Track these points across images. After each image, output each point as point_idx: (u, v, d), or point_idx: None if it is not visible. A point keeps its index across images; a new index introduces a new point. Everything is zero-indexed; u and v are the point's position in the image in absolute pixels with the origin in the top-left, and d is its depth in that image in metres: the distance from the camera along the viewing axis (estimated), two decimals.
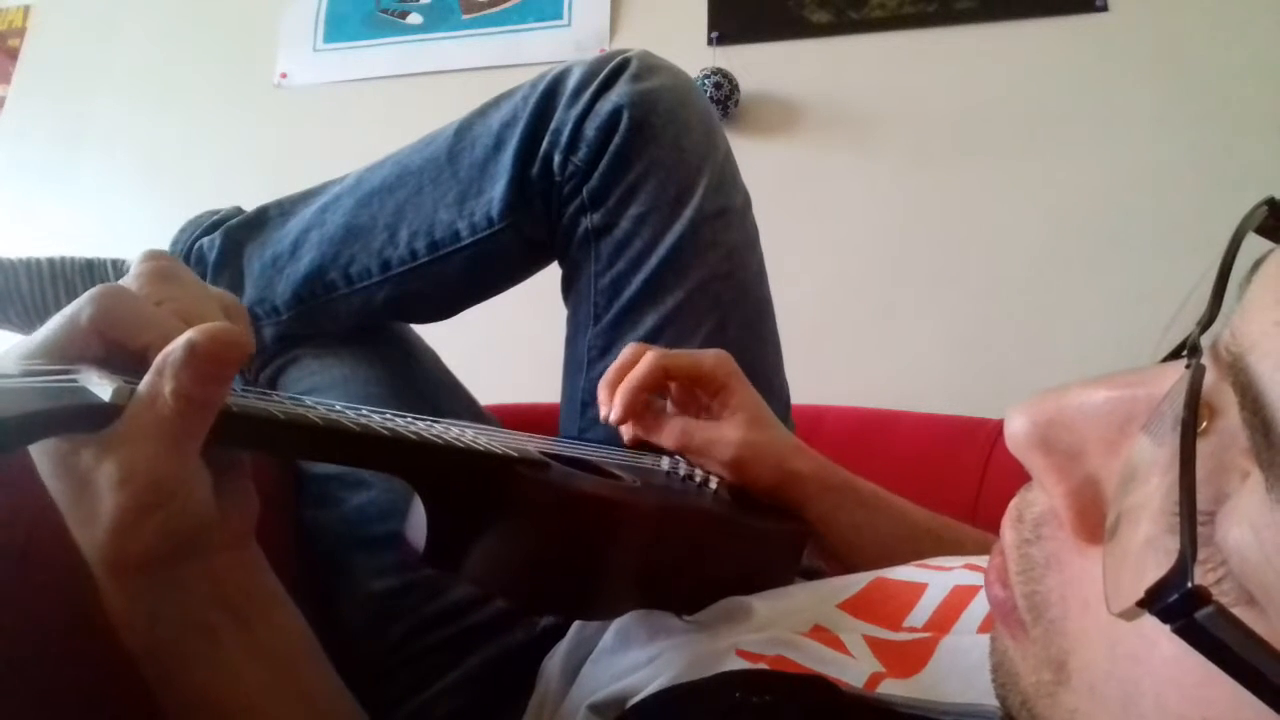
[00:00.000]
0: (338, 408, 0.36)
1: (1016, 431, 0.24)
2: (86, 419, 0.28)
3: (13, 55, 2.09)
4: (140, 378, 0.30)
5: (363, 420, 0.35)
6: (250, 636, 0.35)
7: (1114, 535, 0.22)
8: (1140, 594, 0.18)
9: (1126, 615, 0.19)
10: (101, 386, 0.28)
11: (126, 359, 0.31)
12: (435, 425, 0.40)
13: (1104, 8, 1.55)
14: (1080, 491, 0.23)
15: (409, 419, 0.39)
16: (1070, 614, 0.24)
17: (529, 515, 0.39)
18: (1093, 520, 0.23)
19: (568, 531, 0.40)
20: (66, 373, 0.29)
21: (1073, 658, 0.24)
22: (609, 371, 0.58)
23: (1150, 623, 0.19)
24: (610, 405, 0.56)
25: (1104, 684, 0.22)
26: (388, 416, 0.38)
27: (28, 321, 0.83)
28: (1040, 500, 0.26)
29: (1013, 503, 0.27)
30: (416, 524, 0.40)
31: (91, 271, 0.84)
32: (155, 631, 0.33)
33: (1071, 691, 0.24)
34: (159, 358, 0.29)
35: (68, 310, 0.30)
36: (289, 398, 0.36)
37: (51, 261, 0.84)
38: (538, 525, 0.39)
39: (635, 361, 0.57)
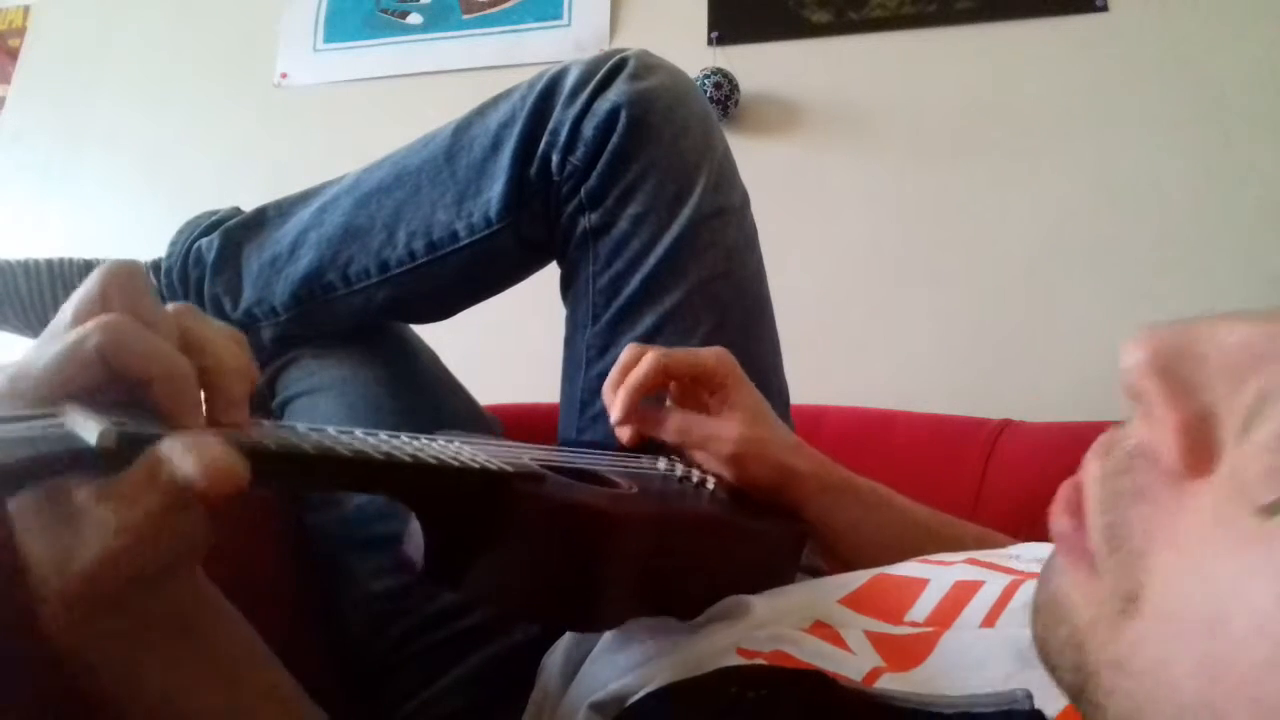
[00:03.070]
0: (331, 431, 0.35)
1: (1137, 358, 0.24)
2: (73, 466, 0.27)
3: (13, 55, 2.09)
4: (130, 411, 0.28)
5: (356, 445, 0.34)
6: (201, 649, 0.35)
7: (1249, 430, 0.22)
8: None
9: (1269, 510, 0.19)
10: (87, 428, 0.26)
11: (121, 388, 0.29)
12: (434, 444, 0.40)
13: (1104, 8, 1.55)
14: (1193, 424, 0.23)
15: (402, 438, 0.38)
16: (1154, 547, 0.23)
17: (527, 530, 0.39)
18: (1200, 454, 0.23)
19: (566, 545, 0.40)
20: (49, 416, 0.27)
21: (1147, 589, 0.23)
22: (612, 373, 0.58)
23: (1254, 554, 0.19)
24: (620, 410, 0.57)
25: (1183, 611, 0.22)
26: (381, 438, 0.37)
27: (26, 323, 0.83)
28: (1138, 433, 0.25)
29: (1100, 438, 0.27)
30: (415, 541, 0.39)
31: (90, 272, 0.84)
32: (106, 653, 0.31)
33: (1140, 621, 0.23)
34: (167, 448, 0.27)
35: (72, 336, 0.28)
36: (282, 425, 0.34)
37: (50, 263, 0.84)
38: (537, 540, 0.39)
39: (636, 362, 0.57)
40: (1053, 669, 0.26)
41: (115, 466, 0.27)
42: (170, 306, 0.32)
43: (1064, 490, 0.27)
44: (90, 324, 0.28)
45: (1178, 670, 0.22)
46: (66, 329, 0.29)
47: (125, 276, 0.31)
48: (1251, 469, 0.22)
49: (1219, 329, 0.23)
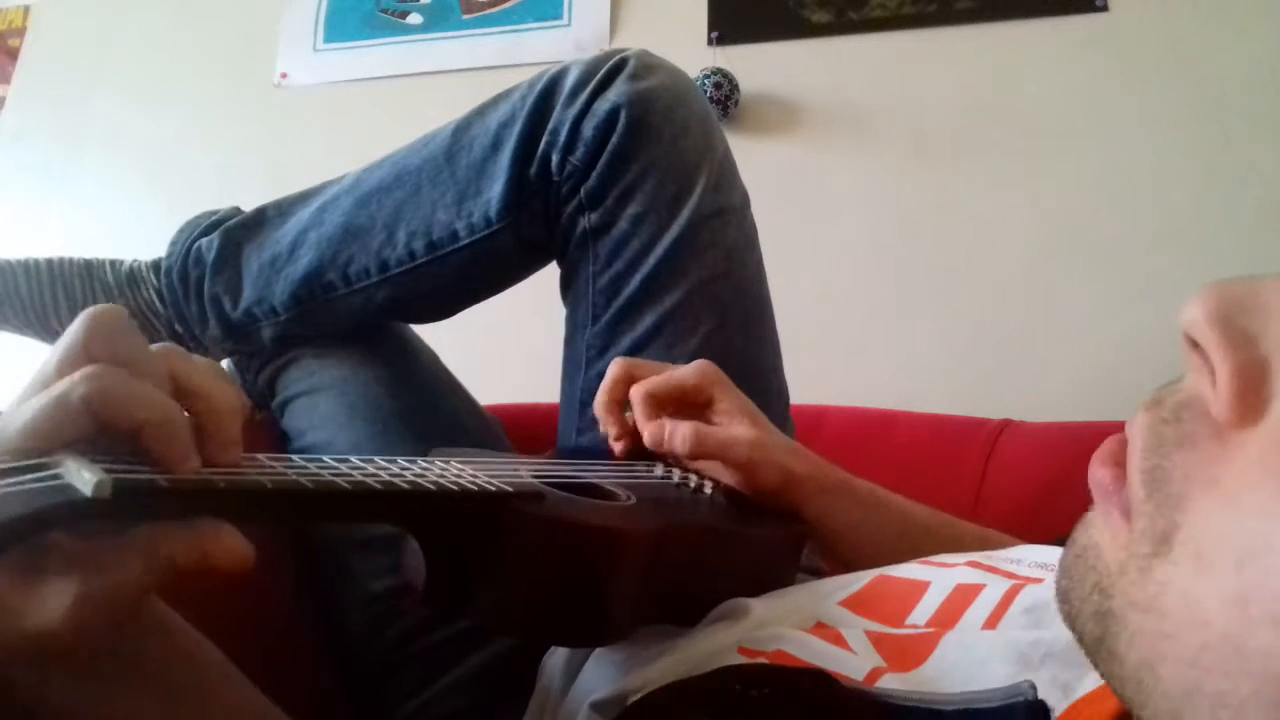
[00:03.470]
0: (329, 461, 0.35)
1: (1198, 310, 0.24)
2: (69, 519, 0.26)
3: (13, 55, 2.09)
4: (123, 458, 0.28)
5: (356, 477, 0.33)
6: (150, 675, 0.34)
7: None
8: None
9: None
10: (83, 479, 0.26)
11: (112, 438, 0.29)
12: (432, 467, 0.39)
13: (1104, 7, 1.55)
14: (1247, 370, 0.23)
15: (399, 463, 0.38)
16: (1192, 491, 0.23)
17: (530, 551, 0.39)
18: (1252, 402, 0.23)
19: (570, 564, 0.39)
20: (43, 467, 0.27)
21: (1180, 531, 0.23)
22: (600, 392, 0.59)
23: None
24: (613, 426, 0.58)
25: (1217, 549, 0.22)
26: (379, 463, 0.36)
27: (26, 323, 0.83)
28: (1189, 386, 0.25)
29: (1152, 392, 0.27)
30: (414, 564, 0.39)
31: (90, 272, 0.84)
32: (45, 687, 0.30)
33: (1169, 563, 0.23)
34: (172, 530, 0.28)
35: (57, 389, 0.28)
36: (276, 457, 0.33)
37: (50, 262, 0.84)
38: (539, 560, 0.39)
39: (623, 379, 0.58)
40: (1073, 620, 0.26)
41: (112, 515, 0.27)
42: (156, 347, 0.31)
43: (1107, 444, 0.27)
44: (75, 375, 0.28)
45: (1208, 607, 0.22)
46: (50, 381, 0.29)
47: (108, 321, 0.30)
48: None
49: None
